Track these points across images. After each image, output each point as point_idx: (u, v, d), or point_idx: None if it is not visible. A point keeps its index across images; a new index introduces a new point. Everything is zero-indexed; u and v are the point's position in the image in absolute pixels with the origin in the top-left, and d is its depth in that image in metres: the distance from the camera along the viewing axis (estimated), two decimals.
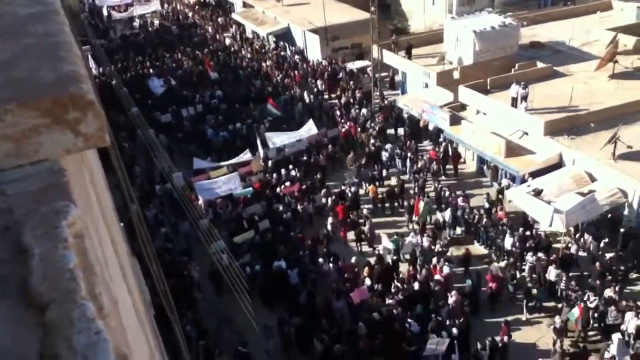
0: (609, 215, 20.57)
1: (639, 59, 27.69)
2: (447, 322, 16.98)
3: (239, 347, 16.36)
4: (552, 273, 18.78)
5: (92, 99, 1.10)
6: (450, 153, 26.74)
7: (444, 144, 27.23)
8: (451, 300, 17.83)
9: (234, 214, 23.45)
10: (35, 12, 1.51)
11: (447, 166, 26.57)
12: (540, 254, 19.47)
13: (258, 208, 23.30)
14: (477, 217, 22.16)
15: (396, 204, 24.57)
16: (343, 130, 29.69)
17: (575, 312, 16.88)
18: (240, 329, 17.45)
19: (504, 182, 24.36)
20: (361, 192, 25.31)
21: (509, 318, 17.90)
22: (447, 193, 23.67)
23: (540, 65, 28.26)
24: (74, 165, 1.35)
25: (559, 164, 22.59)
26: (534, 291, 18.49)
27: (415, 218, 23.03)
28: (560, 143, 22.70)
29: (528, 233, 20.71)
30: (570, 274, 18.76)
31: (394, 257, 20.46)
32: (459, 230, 22.34)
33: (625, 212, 20.32)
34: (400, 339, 16.41)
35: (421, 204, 22.60)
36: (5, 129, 1.05)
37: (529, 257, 19.50)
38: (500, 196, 23.22)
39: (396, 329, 16.71)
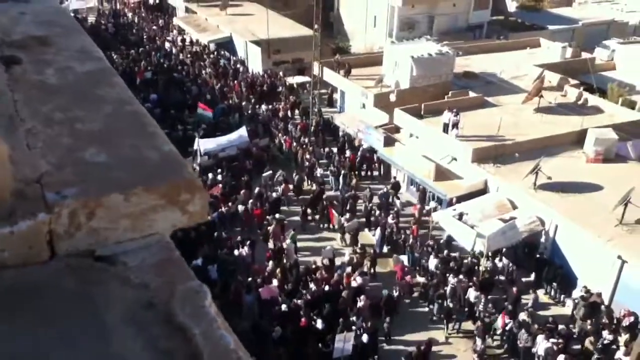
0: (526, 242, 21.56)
1: (562, 95, 29.46)
2: (355, 326, 17.65)
3: None
4: (471, 295, 19.44)
5: (200, 184, 1.27)
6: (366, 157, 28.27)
7: (362, 149, 28.64)
8: (360, 304, 18.53)
9: None
10: (93, 70, 1.63)
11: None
12: (461, 276, 20.10)
13: None
14: (403, 237, 22.65)
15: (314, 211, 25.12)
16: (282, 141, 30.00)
17: (499, 322, 17.63)
18: None
19: (432, 204, 25.06)
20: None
21: (431, 334, 18.53)
22: (377, 212, 24.13)
23: (472, 94, 29.47)
24: None
25: (483, 190, 23.50)
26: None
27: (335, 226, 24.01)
28: (486, 170, 23.64)
29: (452, 255, 21.41)
30: (489, 297, 19.49)
31: (296, 256, 21.32)
32: (385, 249, 22.73)
33: (542, 239, 21.36)
34: (307, 332, 17.12)
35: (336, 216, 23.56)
36: (129, 209, 1.19)
37: (451, 279, 20.09)
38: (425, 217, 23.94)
39: (303, 323, 17.47)
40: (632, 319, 17.94)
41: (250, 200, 24.24)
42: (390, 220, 23.26)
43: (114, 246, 1.23)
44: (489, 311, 18.74)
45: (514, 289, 19.50)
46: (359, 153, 28.64)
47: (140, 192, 1.20)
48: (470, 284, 19.83)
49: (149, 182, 1.21)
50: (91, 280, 1.16)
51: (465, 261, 21.23)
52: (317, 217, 24.80)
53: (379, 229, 22.76)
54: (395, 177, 27.68)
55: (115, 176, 1.22)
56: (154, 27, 48.21)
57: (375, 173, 28.69)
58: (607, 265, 18.74)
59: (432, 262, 21.00)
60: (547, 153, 23.54)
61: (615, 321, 18.18)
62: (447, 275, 20.40)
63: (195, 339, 1.07)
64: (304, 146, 29.67)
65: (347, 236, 23.42)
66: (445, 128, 25.81)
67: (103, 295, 1.14)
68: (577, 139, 24.89)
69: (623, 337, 17.29)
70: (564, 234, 20.62)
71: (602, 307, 18.69)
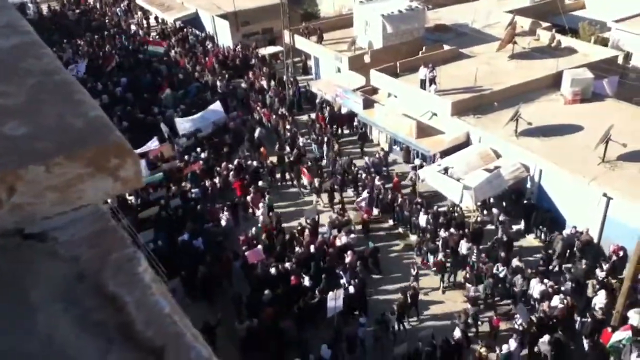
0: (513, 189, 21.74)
1: (535, 39, 29.34)
2: (343, 280, 18.19)
3: None
4: (463, 247, 19.64)
5: (130, 147, 1.19)
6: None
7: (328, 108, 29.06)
8: (347, 259, 18.98)
9: (141, 199, 23.33)
10: (19, 44, 1.55)
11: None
12: (452, 230, 20.28)
13: (164, 192, 23.53)
14: (390, 196, 22.71)
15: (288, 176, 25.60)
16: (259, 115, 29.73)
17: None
18: None
19: (416, 162, 25.09)
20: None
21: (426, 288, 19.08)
22: (364, 175, 24.12)
23: (446, 47, 29.22)
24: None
25: (466, 143, 23.53)
26: (447, 264, 19.30)
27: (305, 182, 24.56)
28: (467, 122, 23.61)
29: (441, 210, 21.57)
30: (481, 247, 19.73)
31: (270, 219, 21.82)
32: (375, 211, 22.81)
33: (528, 185, 21.53)
34: (297, 291, 17.73)
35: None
36: (52, 180, 1.11)
37: (442, 233, 20.26)
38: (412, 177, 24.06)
39: (293, 281, 18.18)
40: (621, 253, 18.30)
41: (231, 173, 24.50)
42: (377, 182, 23.31)
43: (43, 222, 1.15)
44: (482, 260, 18.97)
45: (505, 237, 19.75)
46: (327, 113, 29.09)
47: (63, 161, 1.11)
48: (462, 234, 20.04)
49: (72, 150, 1.13)
50: (19, 259, 1.09)
51: (455, 214, 21.42)
52: (294, 179, 25.26)
53: (366, 191, 22.81)
54: (361, 129, 28.07)
55: (35, 147, 1.13)
56: (117, 11, 46.99)
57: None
58: (593, 203, 18.97)
59: (423, 219, 21.13)
60: (525, 99, 23.52)
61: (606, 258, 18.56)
62: (439, 230, 20.59)
63: (127, 307, 1.03)
64: (284, 117, 29.41)
65: (324, 196, 23.68)
66: (423, 84, 25.64)
67: (31, 274, 1.07)
68: (554, 82, 24.89)
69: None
70: (548, 178, 20.79)
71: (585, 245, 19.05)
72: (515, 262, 18.36)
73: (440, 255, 19.36)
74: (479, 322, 17.17)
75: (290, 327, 16.63)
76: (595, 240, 19.36)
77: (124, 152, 1.16)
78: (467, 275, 18.80)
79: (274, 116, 29.58)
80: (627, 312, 15.66)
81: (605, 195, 18.62)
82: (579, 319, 16.39)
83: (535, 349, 15.60)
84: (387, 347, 16.56)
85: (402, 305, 17.47)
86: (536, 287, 17.32)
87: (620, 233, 18.33)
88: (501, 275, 18.17)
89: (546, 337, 15.38)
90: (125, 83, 32.66)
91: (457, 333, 16.11)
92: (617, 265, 18.10)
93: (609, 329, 15.33)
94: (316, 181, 23.78)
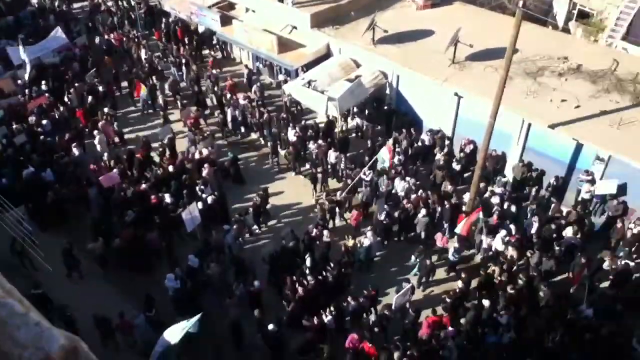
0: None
1: None
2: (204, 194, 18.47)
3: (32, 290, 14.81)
4: (332, 156, 20.20)
5: None
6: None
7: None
8: (205, 172, 19.29)
9: None
10: None
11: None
12: (320, 141, 20.68)
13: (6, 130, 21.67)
14: (258, 114, 22.50)
15: None
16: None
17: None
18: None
19: (280, 77, 24.87)
20: None
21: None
22: (229, 96, 23.54)
23: None
24: None
25: (327, 54, 23.64)
26: (319, 176, 19.82)
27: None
28: (326, 34, 23.60)
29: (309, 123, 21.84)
30: (348, 154, 20.44)
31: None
32: (243, 129, 22.53)
33: (387, 91, 22.33)
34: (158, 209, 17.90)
35: None
36: None
37: (311, 145, 20.61)
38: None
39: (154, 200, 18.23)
40: (472, 146, 19.92)
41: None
42: (242, 101, 22.89)
43: None
44: (349, 167, 19.69)
45: (370, 142, 20.57)
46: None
47: None
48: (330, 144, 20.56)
49: None
50: None
51: (321, 125, 21.81)
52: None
53: (230, 108, 22.46)
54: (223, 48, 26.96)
55: None
56: None
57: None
58: (446, 103, 20.21)
59: (291, 133, 21.25)
60: (380, 7, 23.88)
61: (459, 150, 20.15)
62: (307, 142, 20.90)
63: None
64: (136, 40, 27.41)
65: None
66: None
67: None
68: None
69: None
70: (405, 83, 21.64)
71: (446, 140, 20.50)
72: (379, 165, 19.27)
73: (308, 165, 19.80)
74: (337, 217, 18.31)
75: (154, 239, 16.81)
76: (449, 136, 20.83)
77: None
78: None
79: (125, 39, 27.46)
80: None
81: (456, 94, 19.87)
82: (439, 208, 17.77)
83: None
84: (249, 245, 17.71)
85: (258, 205, 18.18)
86: (399, 185, 18.48)
87: (471, 128, 19.83)
88: (367, 178, 19.02)
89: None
90: None
91: (313, 228, 16.89)
92: (470, 156, 19.77)
93: (463, 215, 16.87)
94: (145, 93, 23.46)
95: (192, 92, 24.46)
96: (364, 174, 19.04)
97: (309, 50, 23.94)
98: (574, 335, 13.54)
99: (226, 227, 17.22)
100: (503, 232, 16.25)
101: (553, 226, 16.48)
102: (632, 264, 15.39)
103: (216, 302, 15.20)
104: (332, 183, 20.35)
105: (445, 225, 17.64)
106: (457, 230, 16.34)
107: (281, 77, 24.83)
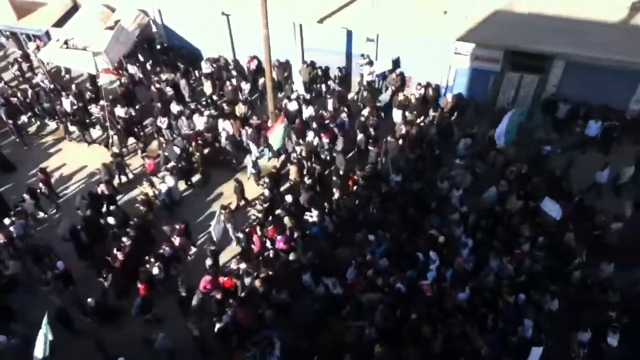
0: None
1: None
2: None
3: None
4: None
5: None
6: None
7: None
8: None
9: None
10: None
11: None
12: (102, 102, 19.00)
13: None
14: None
15: None
16: None
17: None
18: None
19: (31, 45, 22.00)
20: None
21: None
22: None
23: None
24: None
25: (75, 6, 21.29)
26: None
27: None
28: None
29: None
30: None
31: None
32: None
33: (154, 29, 20.99)
34: None
35: None
36: None
37: (94, 108, 18.90)
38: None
39: None
40: (256, 62, 19.90)
41: None
42: None
43: None
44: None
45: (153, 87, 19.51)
46: None
47: None
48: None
49: None
50: None
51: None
52: None
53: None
54: None
55: None
56: None
57: None
58: (218, 24, 19.66)
59: (66, 103, 19.20)
60: None
61: None
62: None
63: None
64: None
65: None
66: None
67: None
68: None
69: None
70: (170, 14, 20.48)
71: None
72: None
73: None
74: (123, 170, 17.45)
75: None
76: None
77: None
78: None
79: None
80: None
81: (223, 13, 19.34)
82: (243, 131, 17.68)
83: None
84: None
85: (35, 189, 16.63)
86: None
87: (250, 45, 19.63)
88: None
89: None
90: None
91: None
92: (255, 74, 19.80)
93: (269, 124, 17.02)
94: None
95: None
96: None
97: (53, 7, 21.33)
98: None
99: (7, 221, 15.10)
100: (311, 134, 16.81)
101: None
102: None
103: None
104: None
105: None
106: (270, 139, 16.26)
107: (32, 45, 21.98)
